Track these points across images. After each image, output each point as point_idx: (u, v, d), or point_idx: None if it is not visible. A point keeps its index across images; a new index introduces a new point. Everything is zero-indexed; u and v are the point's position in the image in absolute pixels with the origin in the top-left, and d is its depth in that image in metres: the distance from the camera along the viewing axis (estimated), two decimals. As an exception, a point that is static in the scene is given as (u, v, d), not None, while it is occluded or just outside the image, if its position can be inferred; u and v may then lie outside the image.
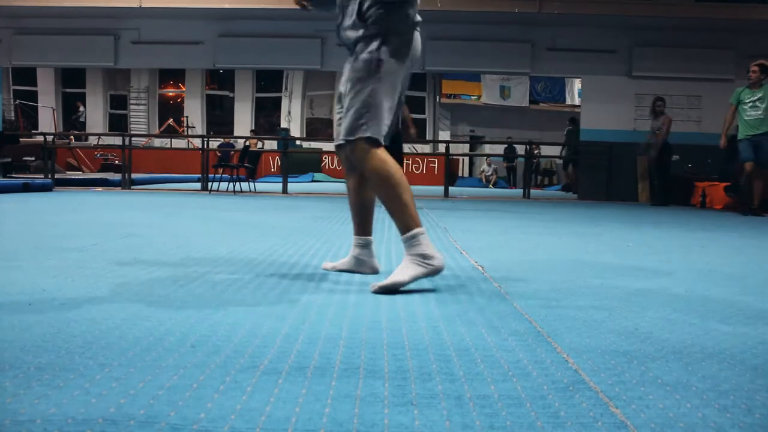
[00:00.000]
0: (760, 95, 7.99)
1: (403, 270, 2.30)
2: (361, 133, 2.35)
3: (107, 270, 2.61)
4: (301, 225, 5.08)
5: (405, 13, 2.38)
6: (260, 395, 1.19)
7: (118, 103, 21.68)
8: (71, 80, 21.13)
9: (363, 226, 2.68)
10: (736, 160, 8.49)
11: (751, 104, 8.04)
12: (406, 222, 2.34)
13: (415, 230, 2.32)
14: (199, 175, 12.29)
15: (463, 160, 20.68)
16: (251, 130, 19.87)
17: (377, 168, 2.35)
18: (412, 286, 2.40)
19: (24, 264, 2.70)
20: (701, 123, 11.65)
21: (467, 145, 20.86)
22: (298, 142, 19.02)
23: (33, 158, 14.40)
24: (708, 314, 2.05)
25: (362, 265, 2.68)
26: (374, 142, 2.36)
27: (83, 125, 20.41)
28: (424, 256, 2.31)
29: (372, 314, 1.91)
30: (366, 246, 2.68)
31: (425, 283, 2.47)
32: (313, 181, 18.06)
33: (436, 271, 2.33)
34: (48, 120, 19.51)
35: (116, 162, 13.39)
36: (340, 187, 14.99)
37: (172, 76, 21.87)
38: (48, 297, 2.02)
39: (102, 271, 2.57)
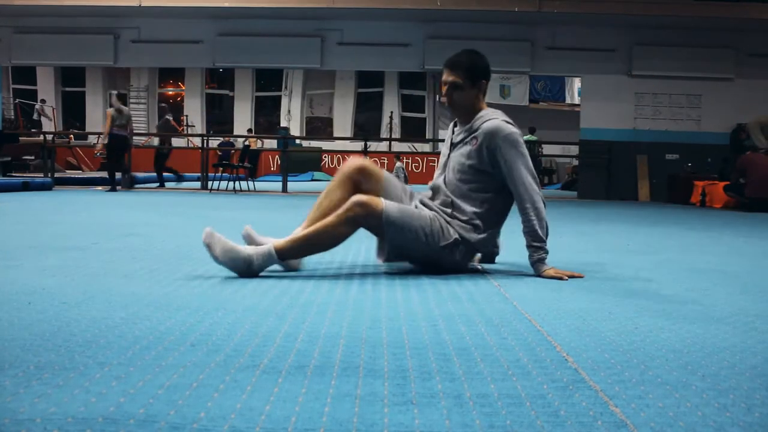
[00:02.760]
0: None
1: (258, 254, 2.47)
2: None
3: (107, 269, 2.61)
4: (300, 224, 5.07)
5: None
6: (260, 394, 1.19)
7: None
8: (71, 79, 21.10)
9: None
10: (736, 158, 8.48)
11: None
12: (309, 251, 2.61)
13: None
14: (199, 174, 12.29)
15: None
16: (248, 129, 19.84)
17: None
18: (412, 286, 2.40)
19: (24, 263, 2.69)
20: (701, 122, 11.65)
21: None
22: (297, 141, 19.01)
23: (33, 157, 14.40)
24: (707, 313, 2.05)
25: (298, 264, 2.70)
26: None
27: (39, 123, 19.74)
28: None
29: (372, 313, 1.91)
30: None
31: (425, 283, 2.47)
32: (312, 180, 18.06)
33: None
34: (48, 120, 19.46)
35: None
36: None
37: (172, 75, 21.86)
38: (48, 296, 2.02)
39: (102, 270, 2.57)
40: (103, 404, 1.11)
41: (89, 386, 1.20)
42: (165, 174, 12.52)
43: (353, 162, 2.80)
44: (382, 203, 2.54)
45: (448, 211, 2.71)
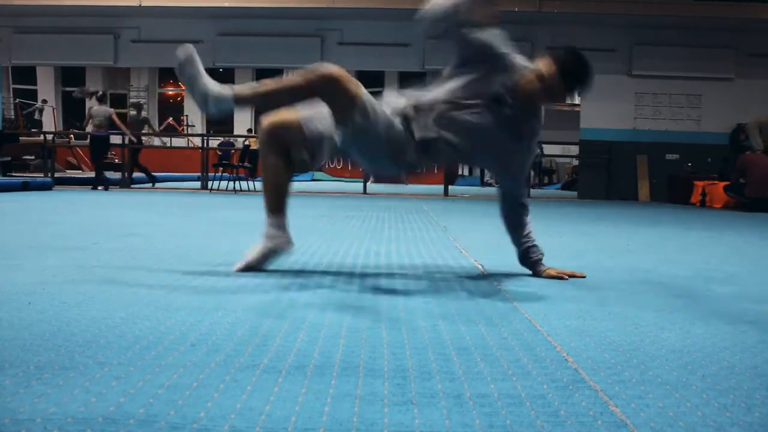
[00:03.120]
0: None
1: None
2: None
3: (107, 269, 2.61)
4: (300, 223, 5.08)
5: None
6: (260, 394, 1.19)
7: (118, 102, 21.67)
8: (71, 79, 21.10)
9: (285, 206, 2.67)
10: (736, 158, 8.48)
11: None
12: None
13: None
14: (199, 174, 12.29)
15: (462, 159, 20.65)
16: (248, 129, 19.81)
17: None
18: (412, 286, 2.40)
19: (24, 263, 2.69)
20: (701, 122, 11.65)
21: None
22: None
23: (33, 157, 14.40)
24: (708, 313, 2.05)
25: (286, 243, 2.64)
26: None
27: (39, 123, 19.52)
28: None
29: (372, 313, 1.91)
30: (284, 226, 2.67)
31: (425, 283, 2.47)
32: (313, 180, 18.07)
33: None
34: (48, 119, 19.47)
35: (116, 161, 13.43)
36: (341, 186, 14.99)
37: (172, 74, 21.84)
38: (48, 296, 2.02)
39: (101, 270, 2.57)
40: (103, 404, 1.11)
41: (89, 386, 1.20)
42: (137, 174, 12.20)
43: (264, 125, 2.58)
44: (363, 90, 2.38)
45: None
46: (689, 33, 11.40)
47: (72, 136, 18.06)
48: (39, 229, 4.22)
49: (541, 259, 2.69)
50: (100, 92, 11.22)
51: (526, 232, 2.69)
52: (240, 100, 2.43)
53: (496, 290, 2.36)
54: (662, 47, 11.44)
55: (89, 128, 10.82)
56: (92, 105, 10.95)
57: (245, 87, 2.47)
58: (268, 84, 2.46)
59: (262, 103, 2.52)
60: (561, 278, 2.61)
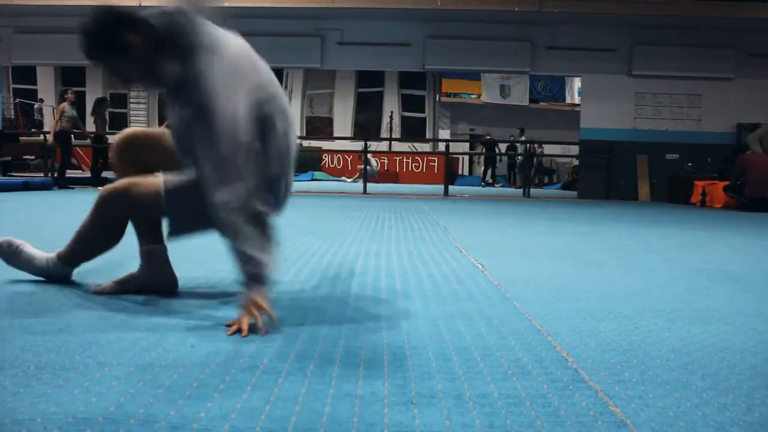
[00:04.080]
0: None
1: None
2: None
3: (107, 269, 2.61)
4: (300, 224, 5.08)
5: None
6: (260, 394, 1.19)
7: (118, 102, 21.66)
8: (71, 79, 21.10)
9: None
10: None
11: None
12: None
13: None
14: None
15: (462, 159, 20.69)
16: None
17: None
18: (412, 286, 2.40)
19: (24, 263, 2.69)
20: (701, 122, 11.64)
21: (467, 144, 20.88)
22: (297, 141, 18.99)
23: (33, 157, 14.40)
24: (707, 313, 2.05)
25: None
26: None
27: (40, 123, 19.23)
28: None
29: (372, 313, 1.91)
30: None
31: (425, 283, 2.46)
32: (312, 179, 18.07)
33: None
34: (48, 119, 19.47)
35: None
36: (340, 186, 14.98)
37: (172, 74, 21.84)
38: (48, 296, 2.02)
39: (101, 271, 2.57)
40: (104, 404, 1.11)
41: (89, 386, 1.20)
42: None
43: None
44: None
45: None
46: (689, 33, 11.40)
47: (72, 136, 18.04)
48: (39, 229, 4.21)
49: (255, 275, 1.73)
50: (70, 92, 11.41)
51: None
52: (65, 258, 2.19)
53: (496, 290, 2.35)
54: (662, 47, 11.43)
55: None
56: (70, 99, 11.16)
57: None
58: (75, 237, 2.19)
59: (84, 252, 2.23)
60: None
